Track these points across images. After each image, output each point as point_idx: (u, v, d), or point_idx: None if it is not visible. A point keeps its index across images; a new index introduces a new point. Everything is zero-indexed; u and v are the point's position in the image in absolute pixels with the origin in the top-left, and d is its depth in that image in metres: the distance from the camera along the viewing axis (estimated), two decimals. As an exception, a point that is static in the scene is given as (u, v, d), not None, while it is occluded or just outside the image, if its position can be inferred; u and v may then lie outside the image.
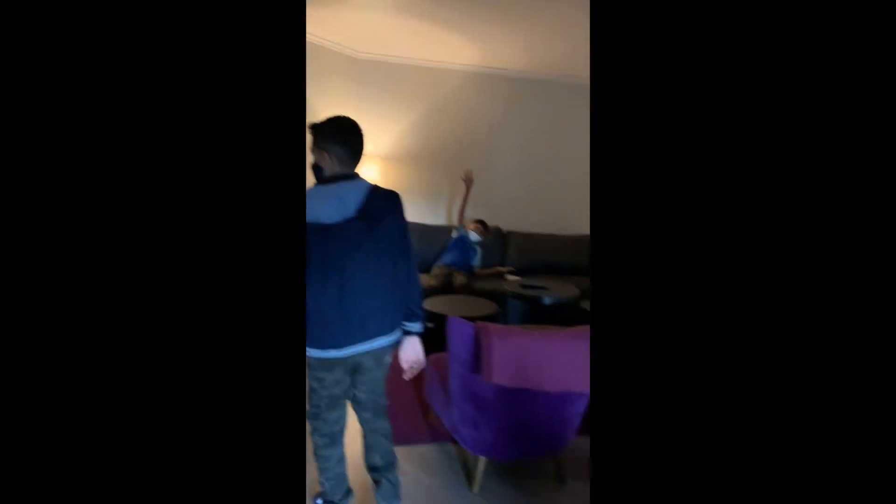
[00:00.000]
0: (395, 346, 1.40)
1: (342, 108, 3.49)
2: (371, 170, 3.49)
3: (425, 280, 3.23)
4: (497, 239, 3.75)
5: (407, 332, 1.39)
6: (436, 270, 3.33)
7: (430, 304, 2.63)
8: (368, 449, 1.48)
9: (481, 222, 3.52)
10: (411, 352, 1.40)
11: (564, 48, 3.14)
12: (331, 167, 1.28)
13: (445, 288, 3.14)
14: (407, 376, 1.42)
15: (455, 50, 3.34)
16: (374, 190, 1.30)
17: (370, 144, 3.71)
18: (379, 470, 1.47)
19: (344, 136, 1.28)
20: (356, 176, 1.30)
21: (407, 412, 2.22)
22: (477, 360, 1.56)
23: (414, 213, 3.86)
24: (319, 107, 3.33)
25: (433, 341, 2.82)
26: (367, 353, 1.32)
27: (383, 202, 1.29)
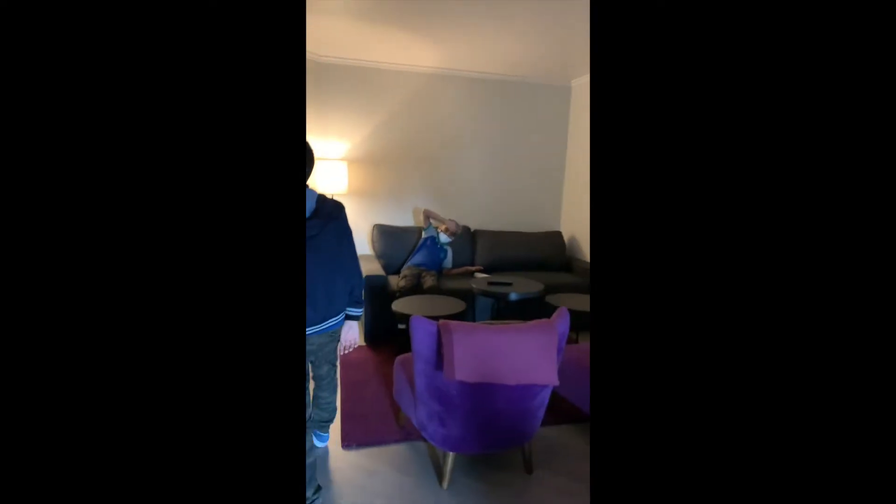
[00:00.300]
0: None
1: (307, 111, 3.47)
2: (339, 172, 3.48)
3: (395, 281, 3.24)
4: (466, 238, 3.79)
5: (349, 317, 1.69)
6: (405, 271, 3.35)
7: (399, 306, 2.65)
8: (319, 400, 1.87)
9: (451, 221, 3.57)
10: (351, 334, 1.71)
11: (524, 51, 3.21)
12: None
13: (415, 288, 3.17)
14: (341, 353, 1.72)
15: (419, 53, 3.37)
16: (322, 198, 1.56)
17: (337, 148, 3.69)
18: (326, 422, 1.91)
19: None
20: (307, 186, 1.54)
21: (378, 414, 2.23)
22: (440, 358, 1.59)
23: (382, 214, 3.86)
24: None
25: (406, 343, 2.85)
26: (334, 329, 1.62)
27: (331, 208, 1.55)
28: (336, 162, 3.53)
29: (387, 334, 3.11)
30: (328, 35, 3.05)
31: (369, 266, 3.36)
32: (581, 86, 3.98)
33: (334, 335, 1.66)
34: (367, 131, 3.76)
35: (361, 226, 3.86)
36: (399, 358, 2.06)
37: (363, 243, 3.88)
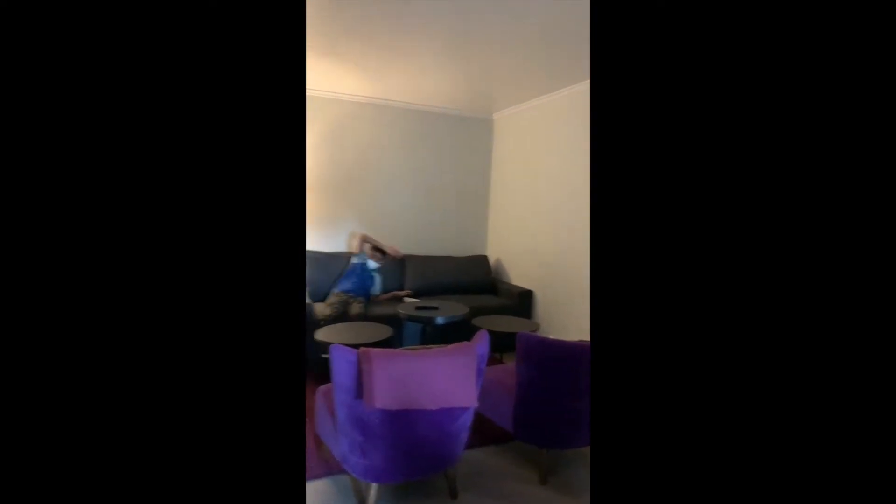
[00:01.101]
0: None
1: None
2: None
3: (320, 309, 3.17)
4: (396, 263, 3.81)
5: None
6: (332, 298, 3.29)
7: (322, 334, 2.59)
8: None
9: (379, 249, 3.57)
10: None
11: (450, 85, 3.37)
12: None
13: (342, 316, 3.11)
14: None
15: (349, 82, 3.41)
16: None
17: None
18: None
19: None
20: None
21: (299, 448, 2.14)
22: (361, 387, 1.58)
23: (311, 240, 3.78)
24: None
25: (327, 373, 2.77)
26: None
27: None
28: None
29: (311, 364, 3.01)
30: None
31: (294, 294, 3.26)
32: (503, 118, 4.23)
33: None
34: (292, 156, 3.70)
35: (286, 252, 3.74)
36: (320, 389, 2.01)
37: (288, 270, 3.76)
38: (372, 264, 3.53)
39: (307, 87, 3.59)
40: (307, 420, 2.40)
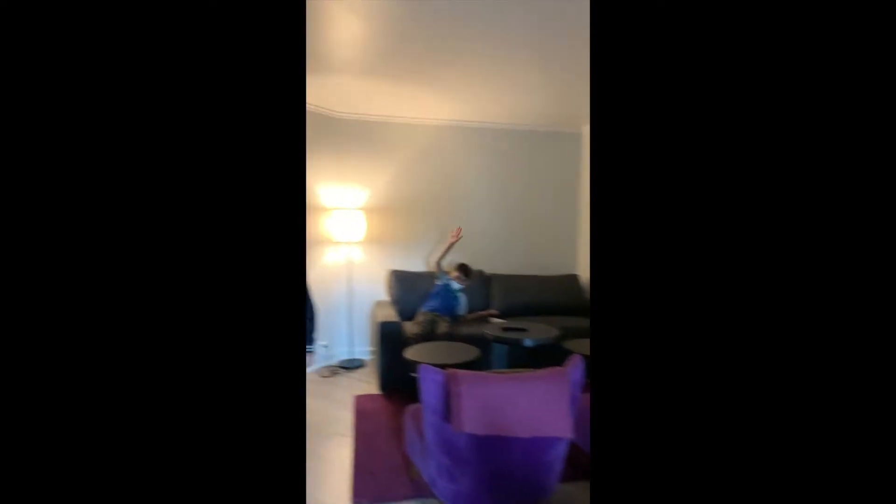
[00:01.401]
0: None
1: (324, 164, 3.63)
2: (356, 221, 3.58)
3: (409, 327, 3.23)
4: (481, 283, 3.78)
5: None
6: (419, 317, 3.34)
7: (412, 353, 2.62)
8: None
9: (462, 268, 3.54)
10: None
11: (532, 101, 3.33)
12: None
13: (429, 335, 3.14)
14: None
15: (429, 106, 3.53)
16: None
17: (354, 198, 3.81)
18: None
19: None
20: None
21: (390, 468, 2.16)
22: (448, 409, 1.55)
23: (399, 261, 3.91)
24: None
25: (415, 392, 2.78)
26: None
27: None
28: (353, 211, 3.63)
29: (401, 382, 3.06)
30: (343, 92, 3.23)
31: (385, 312, 3.37)
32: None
33: None
34: (383, 181, 3.89)
35: (377, 272, 3.90)
36: (410, 408, 2.02)
37: (380, 289, 3.91)
38: (455, 285, 3.52)
39: (391, 114, 3.77)
40: (398, 440, 2.43)
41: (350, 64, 2.68)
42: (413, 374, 2.93)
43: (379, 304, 3.74)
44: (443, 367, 1.65)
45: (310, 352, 2.10)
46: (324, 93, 3.22)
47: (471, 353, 2.63)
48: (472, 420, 1.48)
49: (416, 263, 3.97)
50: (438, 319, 3.31)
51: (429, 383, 1.58)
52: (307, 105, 3.44)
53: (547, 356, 3.11)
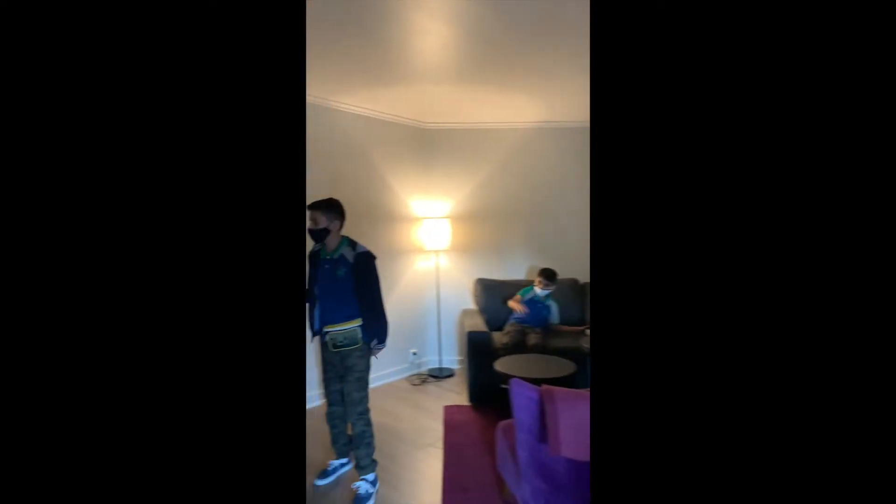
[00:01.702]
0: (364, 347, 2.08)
1: (413, 175, 3.70)
2: (442, 229, 3.59)
3: (497, 338, 3.13)
4: (575, 292, 3.56)
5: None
6: (508, 327, 3.22)
7: (502, 365, 2.52)
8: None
9: (545, 272, 3.30)
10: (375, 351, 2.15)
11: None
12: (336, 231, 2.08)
13: (519, 346, 3.01)
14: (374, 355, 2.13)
15: (516, 110, 3.43)
16: (354, 245, 2.11)
17: (440, 206, 3.82)
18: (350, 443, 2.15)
19: (343, 213, 2.11)
20: (341, 235, 2.12)
21: (481, 485, 2.07)
22: (544, 429, 1.43)
23: (485, 269, 3.84)
24: (392, 176, 3.55)
25: (506, 405, 2.66)
26: (345, 337, 2.05)
27: (360, 259, 2.07)
28: (439, 220, 3.65)
29: (491, 394, 2.96)
30: (430, 102, 3.26)
31: (473, 321, 3.30)
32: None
33: (355, 349, 2.03)
34: (468, 189, 3.86)
35: (464, 281, 3.87)
36: (501, 424, 1.91)
37: (466, 298, 3.87)
38: (541, 292, 3.30)
39: (479, 120, 3.73)
40: (489, 455, 2.33)
41: (439, 73, 2.69)
42: (504, 386, 2.82)
43: (466, 312, 3.70)
44: (536, 382, 1.53)
45: (378, 348, 2.11)
46: (414, 105, 3.29)
47: (566, 367, 2.46)
48: (570, 443, 1.34)
49: (501, 271, 3.86)
50: (528, 331, 3.16)
51: (522, 399, 1.47)
52: (398, 118, 3.55)
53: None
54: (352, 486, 2.04)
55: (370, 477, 2.04)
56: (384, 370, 3.53)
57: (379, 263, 2.12)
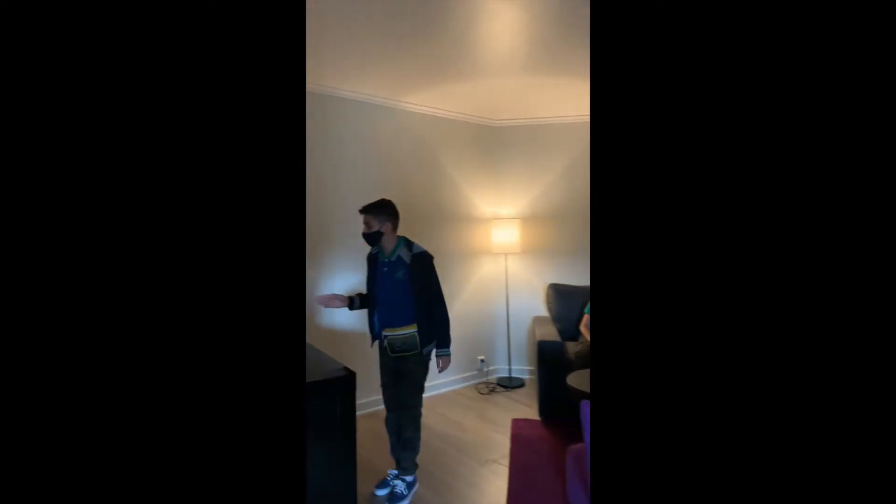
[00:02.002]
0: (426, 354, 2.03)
1: (481, 174, 3.57)
2: (511, 231, 3.41)
3: (571, 347, 2.88)
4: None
5: (438, 352, 2.04)
6: (582, 337, 2.96)
7: (574, 380, 2.29)
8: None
9: None
10: (443, 362, 2.05)
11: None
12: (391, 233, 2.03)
13: (596, 358, 2.74)
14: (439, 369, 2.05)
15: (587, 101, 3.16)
16: (411, 246, 2.03)
17: (510, 207, 3.65)
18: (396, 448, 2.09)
19: (395, 213, 2.03)
20: (396, 235, 2.06)
21: (549, 511, 1.87)
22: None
23: (559, 272, 3.59)
24: (460, 175, 3.45)
25: (578, 423, 2.41)
26: (405, 343, 1.99)
27: (417, 259, 2.00)
28: (508, 220, 3.47)
29: (562, 409, 2.73)
30: (499, 97, 3.11)
31: (544, 329, 3.09)
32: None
33: (412, 355, 1.97)
34: (540, 188, 3.64)
35: (536, 285, 3.65)
36: (571, 449, 1.71)
37: (538, 304, 3.64)
38: None
39: (550, 114, 3.50)
40: (559, 479, 2.12)
41: (509, 64, 2.53)
42: (575, 402, 2.58)
43: (537, 319, 3.47)
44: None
45: (443, 357, 2.02)
46: (482, 101, 3.16)
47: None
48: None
49: (574, 275, 3.58)
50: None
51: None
52: (465, 115, 3.44)
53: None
54: (388, 481, 2.06)
55: (409, 478, 2.03)
56: (450, 377, 3.42)
57: (446, 266, 2.04)
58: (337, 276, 2.87)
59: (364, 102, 2.96)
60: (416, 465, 2.07)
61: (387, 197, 2.07)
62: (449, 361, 2.03)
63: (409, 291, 1.96)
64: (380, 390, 2.17)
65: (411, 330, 1.97)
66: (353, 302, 2.08)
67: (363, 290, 2.17)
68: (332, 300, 2.03)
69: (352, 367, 1.50)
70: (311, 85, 2.71)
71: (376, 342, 2.08)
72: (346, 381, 1.54)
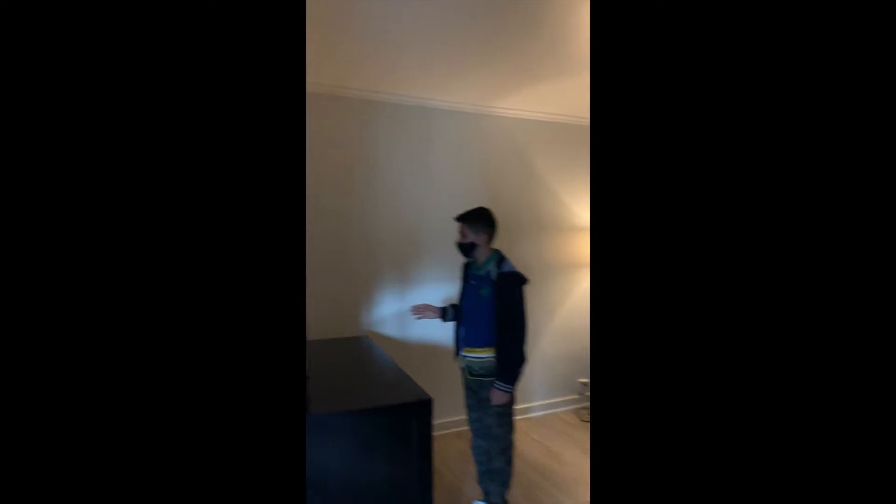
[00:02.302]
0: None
1: (581, 180, 3.29)
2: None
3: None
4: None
5: (495, 386, 1.80)
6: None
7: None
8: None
9: None
10: (495, 397, 1.79)
11: None
12: (485, 244, 1.90)
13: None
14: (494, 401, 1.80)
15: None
16: (503, 262, 1.85)
17: (576, 216, 3.29)
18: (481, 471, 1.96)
19: (492, 223, 1.90)
20: (493, 248, 1.92)
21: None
22: None
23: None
24: (557, 182, 3.22)
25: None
26: (481, 364, 1.85)
27: (505, 278, 1.81)
28: (573, 231, 3.13)
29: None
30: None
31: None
32: None
33: (490, 381, 1.80)
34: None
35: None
36: None
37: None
38: None
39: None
40: None
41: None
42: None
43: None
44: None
45: (502, 390, 1.77)
46: (580, 100, 2.90)
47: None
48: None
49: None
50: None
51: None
52: (562, 117, 3.20)
53: None
54: None
55: None
56: (549, 399, 3.17)
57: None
58: (433, 286, 2.82)
59: (456, 111, 2.90)
60: (506, 502, 1.89)
61: (479, 206, 1.95)
62: (506, 399, 1.76)
63: (491, 312, 1.79)
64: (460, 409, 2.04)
65: (489, 354, 1.80)
66: (445, 313, 1.98)
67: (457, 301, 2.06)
68: (426, 311, 1.96)
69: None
70: (405, 98, 2.72)
71: (458, 358, 1.96)
72: (422, 406, 1.44)
